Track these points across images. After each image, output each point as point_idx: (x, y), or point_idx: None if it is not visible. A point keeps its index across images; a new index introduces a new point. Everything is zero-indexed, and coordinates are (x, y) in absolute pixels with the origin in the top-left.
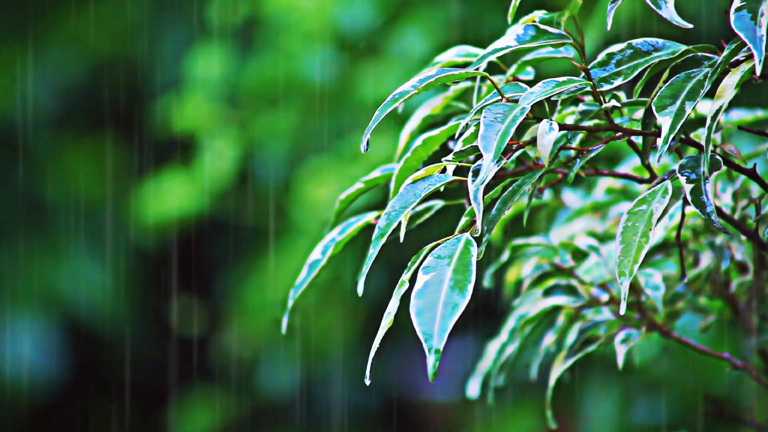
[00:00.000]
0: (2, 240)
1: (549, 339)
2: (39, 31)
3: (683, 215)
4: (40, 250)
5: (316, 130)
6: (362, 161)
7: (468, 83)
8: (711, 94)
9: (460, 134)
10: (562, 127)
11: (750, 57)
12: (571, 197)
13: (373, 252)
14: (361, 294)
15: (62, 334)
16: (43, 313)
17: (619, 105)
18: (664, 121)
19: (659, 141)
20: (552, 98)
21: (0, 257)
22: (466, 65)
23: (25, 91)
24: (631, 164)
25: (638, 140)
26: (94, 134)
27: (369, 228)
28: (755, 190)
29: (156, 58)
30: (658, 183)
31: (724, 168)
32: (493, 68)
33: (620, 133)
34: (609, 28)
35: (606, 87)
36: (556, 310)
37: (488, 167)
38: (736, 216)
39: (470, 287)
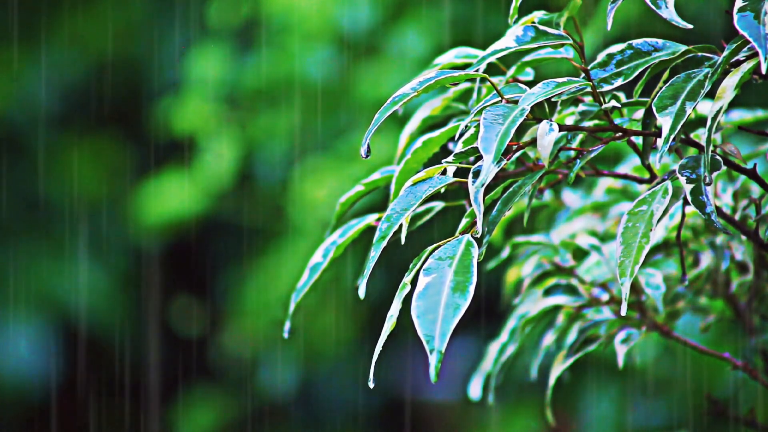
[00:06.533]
0: (2, 240)
1: (549, 339)
2: (39, 31)
3: (683, 215)
4: (39, 250)
5: (315, 130)
6: (361, 161)
7: (468, 84)
8: (711, 95)
9: (460, 135)
10: (562, 127)
11: (750, 57)
12: (572, 197)
13: (374, 255)
14: (363, 296)
15: (61, 335)
16: (42, 314)
17: (619, 105)
18: (664, 121)
19: (659, 141)
20: (552, 99)
21: None
22: (465, 67)
23: (25, 91)
24: (631, 164)
25: (638, 140)
26: (94, 134)
27: (370, 230)
28: (755, 190)
29: (156, 58)
30: (658, 183)
31: (724, 168)
32: (493, 69)
33: (620, 134)
34: (609, 28)
35: (606, 87)
36: (556, 309)
37: (488, 169)
38: (737, 216)
39: (471, 289)
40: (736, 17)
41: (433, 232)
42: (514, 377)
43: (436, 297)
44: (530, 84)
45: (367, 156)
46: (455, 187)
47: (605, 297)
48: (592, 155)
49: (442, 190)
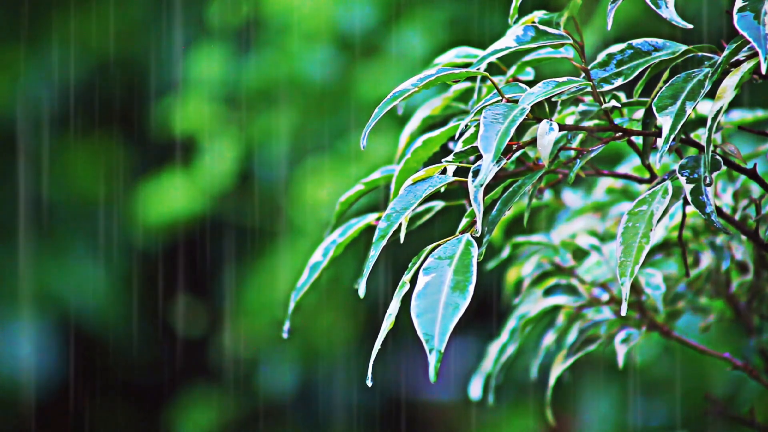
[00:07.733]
0: (2, 240)
1: (549, 339)
2: (39, 31)
3: (684, 215)
4: (40, 250)
5: (316, 130)
6: (362, 161)
7: (468, 84)
8: (711, 95)
9: (460, 135)
10: (562, 127)
11: (750, 57)
12: (572, 197)
13: (374, 254)
14: (363, 296)
15: (61, 334)
16: (43, 314)
17: (619, 105)
18: (664, 121)
19: (660, 141)
20: (552, 99)
21: None
22: (466, 66)
23: (25, 91)
24: (631, 164)
25: (638, 140)
26: (95, 135)
27: (370, 229)
28: (755, 190)
29: (156, 58)
30: (658, 183)
31: (724, 168)
32: (493, 69)
33: (620, 134)
34: (609, 28)
35: (606, 87)
36: (556, 309)
37: (488, 168)
38: (737, 216)
39: (471, 288)
40: (736, 17)
41: (433, 231)
42: (514, 377)
43: (435, 296)
44: (530, 84)
45: (365, 146)
46: (455, 186)
47: (605, 297)
48: (592, 155)
49: (442, 190)
